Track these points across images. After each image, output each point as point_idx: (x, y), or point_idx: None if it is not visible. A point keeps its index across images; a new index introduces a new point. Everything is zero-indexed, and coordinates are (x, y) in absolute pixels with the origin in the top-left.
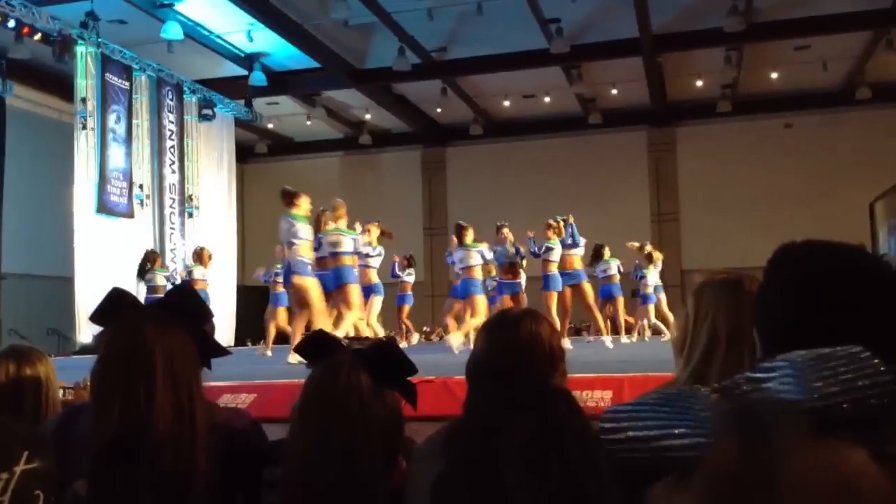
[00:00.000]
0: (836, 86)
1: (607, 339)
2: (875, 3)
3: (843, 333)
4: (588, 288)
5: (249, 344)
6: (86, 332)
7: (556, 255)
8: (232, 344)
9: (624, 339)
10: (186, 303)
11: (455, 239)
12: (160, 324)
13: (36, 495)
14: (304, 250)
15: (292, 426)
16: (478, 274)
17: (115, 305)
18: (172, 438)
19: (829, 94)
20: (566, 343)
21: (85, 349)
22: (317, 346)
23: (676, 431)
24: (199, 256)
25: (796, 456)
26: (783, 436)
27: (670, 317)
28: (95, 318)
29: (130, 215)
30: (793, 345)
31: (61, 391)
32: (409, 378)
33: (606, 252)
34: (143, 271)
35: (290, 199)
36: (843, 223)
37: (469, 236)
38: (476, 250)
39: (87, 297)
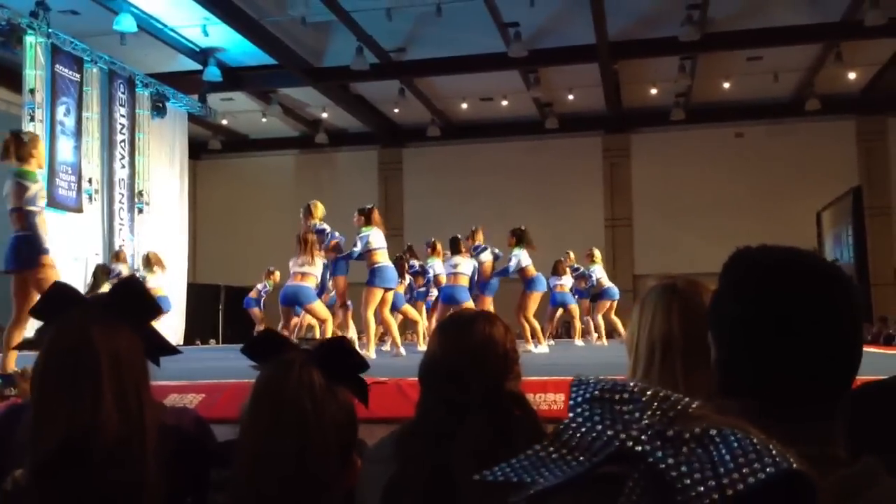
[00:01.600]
0: (786, 97)
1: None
2: (826, 17)
3: (797, 330)
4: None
5: (199, 343)
6: (28, 326)
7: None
8: (181, 342)
9: (578, 342)
10: (133, 299)
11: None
12: (106, 322)
13: None
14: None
15: (242, 426)
16: (465, 281)
17: (58, 301)
18: (121, 444)
19: (779, 105)
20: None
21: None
22: (266, 345)
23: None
24: (148, 262)
25: None
26: None
27: (617, 321)
28: (37, 312)
29: (79, 210)
30: (749, 344)
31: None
32: (361, 376)
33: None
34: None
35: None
36: (790, 231)
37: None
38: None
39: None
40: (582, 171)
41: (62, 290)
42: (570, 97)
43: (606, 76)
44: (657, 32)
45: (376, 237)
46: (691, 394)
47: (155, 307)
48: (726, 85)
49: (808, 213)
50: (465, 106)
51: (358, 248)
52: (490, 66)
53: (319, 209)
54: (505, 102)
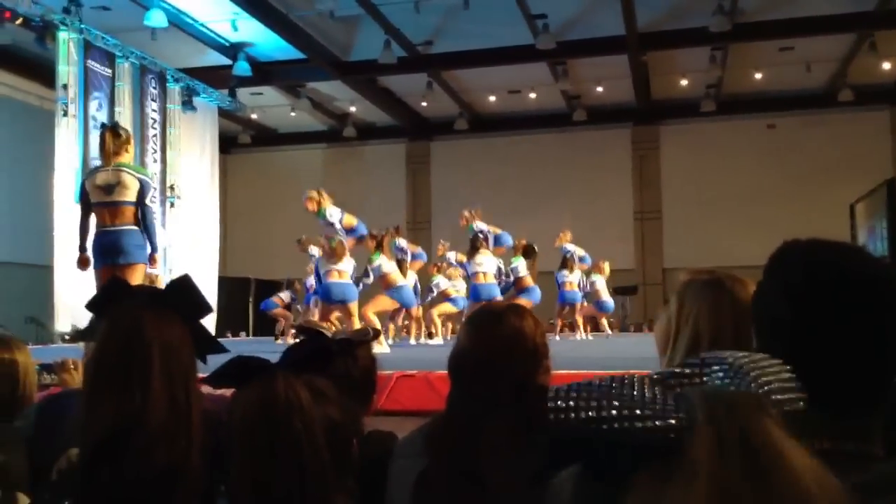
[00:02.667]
0: (819, 87)
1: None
2: (859, 6)
3: (841, 328)
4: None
5: (230, 335)
6: (64, 321)
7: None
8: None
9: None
10: (185, 295)
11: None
12: (158, 316)
13: None
14: None
15: (236, 453)
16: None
17: (112, 295)
18: (167, 434)
19: (812, 96)
20: (555, 337)
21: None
22: (241, 370)
23: (639, 413)
24: None
25: (784, 452)
26: (762, 424)
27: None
28: (92, 306)
29: None
30: (792, 339)
31: (41, 372)
32: (200, 320)
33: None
34: None
35: None
36: (823, 224)
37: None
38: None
39: (66, 285)
40: (611, 163)
41: (117, 284)
42: (599, 89)
43: (636, 68)
44: (687, 23)
45: (386, 262)
46: None
47: (206, 305)
48: (758, 76)
49: (841, 205)
50: (492, 99)
51: (371, 279)
52: (518, 58)
53: (325, 200)
54: (533, 95)
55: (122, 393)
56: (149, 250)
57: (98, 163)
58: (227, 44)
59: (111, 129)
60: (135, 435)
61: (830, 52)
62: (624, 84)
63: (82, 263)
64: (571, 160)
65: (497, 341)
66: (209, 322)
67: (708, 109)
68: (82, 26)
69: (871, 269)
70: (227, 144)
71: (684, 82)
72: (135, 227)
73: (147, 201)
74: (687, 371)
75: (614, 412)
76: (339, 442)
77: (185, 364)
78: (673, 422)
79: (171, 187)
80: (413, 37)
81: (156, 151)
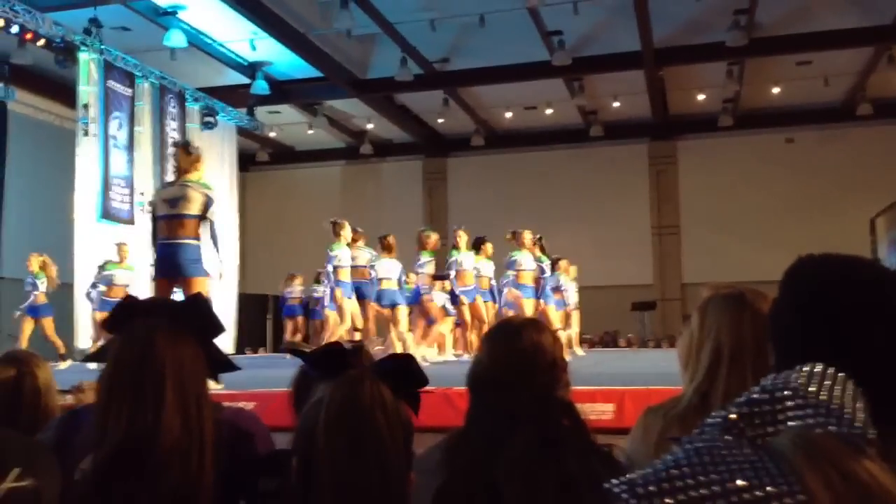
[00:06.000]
0: (837, 101)
1: None
2: (877, 20)
3: (853, 343)
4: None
5: (248, 351)
6: (84, 338)
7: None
8: (232, 352)
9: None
10: (199, 315)
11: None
12: (172, 334)
13: None
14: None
15: (311, 442)
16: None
17: (127, 313)
18: (180, 450)
19: (830, 110)
20: (578, 351)
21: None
22: (333, 359)
23: (758, 493)
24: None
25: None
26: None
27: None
28: (108, 325)
29: (131, 222)
30: (805, 354)
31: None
32: (419, 392)
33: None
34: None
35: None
36: (843, 238)
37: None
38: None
39: (87, 303)
40: (628, 178)
41: (131, 303)
42: (615, 104)
43: (652, 83)
44: (703, 38)
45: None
46: None
47: (218, 324)
48: (775, 90)
49: (861, 219)
50: (509, 115)
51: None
52: (534, 74)
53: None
54: (549, 111)
55: (135, 409)
56: (210, 263)
57: (121, 181)
58: (246, 63)
59: (183, 147)
60: (148, 451)
61: (848, 66)
62: (641, 99)
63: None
64: (588, 176)
65: (516, 356)
66: (227, 339)
67: (725, 124)
68: (103, 47)
69: (878, 279)
70: (246, 162)
71: (701, 97)
72: (194, 242)
73: (210, 215)
74: (757, 409)
75: (723, 502)
76: (407, 458)
77: (198, 382)
78: (789, 501)
79: None
80: (429, 54)
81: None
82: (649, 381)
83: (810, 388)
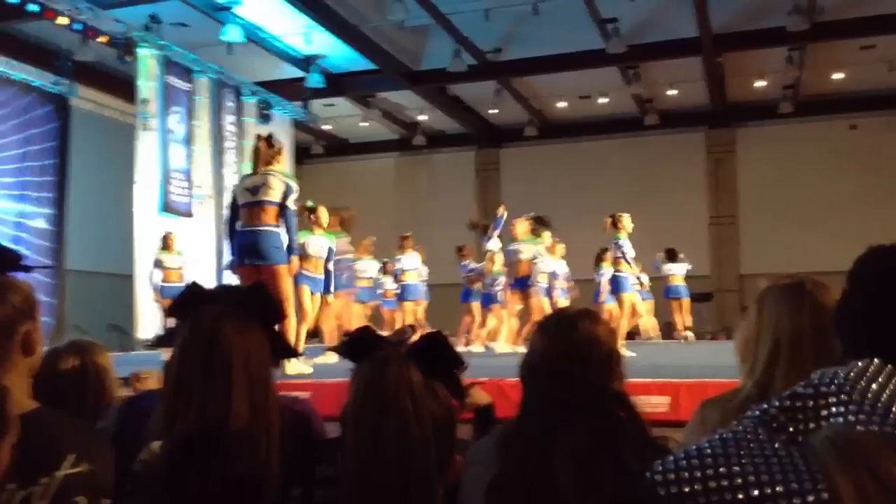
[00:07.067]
0: None
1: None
2: None
3: None
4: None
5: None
6: (145, 328)
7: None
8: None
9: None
10: (262, 302)
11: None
12: (238, 322)
13: (75, 502)
14: None
15: (345, 425)
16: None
17: (192, 300)
18: (250, 437)
19: (895, 96)
20: (626, 350)
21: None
22: (362, 344)
23: (769, 491)
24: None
25: None
26: None
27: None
28: (173, 311)
29: (190, 214)
30: (872, 343)
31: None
32: (455, 373)
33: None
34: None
35: None
36: None
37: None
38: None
39: (147, 294)
40: (684, 167)
41: (197, 290)
42: (672, 92)
43: (710, 70)
44: (763, 23)
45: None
46: None
47: (281, 311)
48: (838, 76)
49: None
50: (562, 104)
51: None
52: (588, 63)
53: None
54: (603, 100)
55: (205, 396)
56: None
57: (180, 174)
58: (301, 56)
59: (266, 140)
60: (218, 437)
61: None
62: (698, 87)
63: (230, 265)
64: (643, 165)
65: (573, 347)
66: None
67: (786, 111)
68: (161, 42)
69: None
70: (301, 155)
71: (761, 84)
72: (275, 229)
73: (289, 203)
74: (799, 405)
75: (741, 495)
76: (442, 439)
77: (265, 368)
78: (812, 498)
79: None
80: (482, 44)
81: (234, 163)
82: (705, 373)
83: (858, 385)
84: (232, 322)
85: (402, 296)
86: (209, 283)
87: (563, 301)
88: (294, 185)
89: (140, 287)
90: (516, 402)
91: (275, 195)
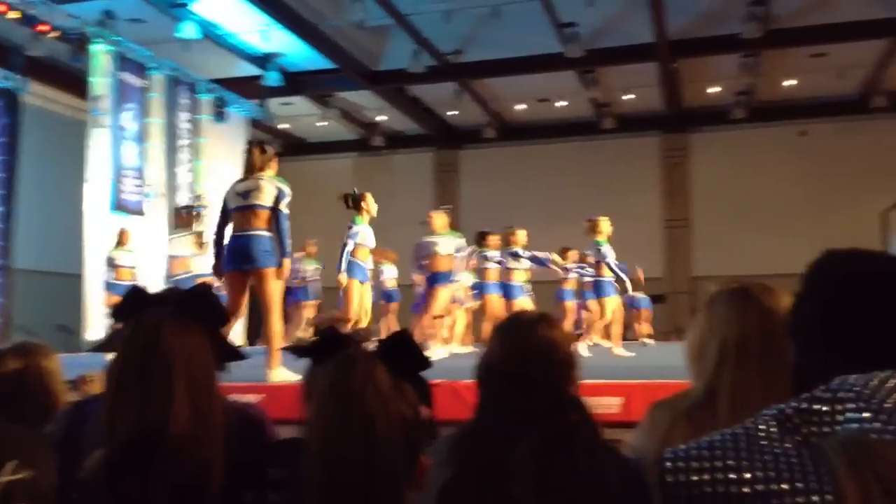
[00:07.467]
0: (852, 94)
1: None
2: (893, 11)
3: (875, 338)
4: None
5: (259, 343)
6: (94, 329)
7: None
8: (245, 343)
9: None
10: (206, 304)
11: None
12: (180, 324)
13: None
14: None
15: (309, 426)
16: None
17: (135, 303)
18: (190, 441)
19: (844, 103)
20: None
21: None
22: (329, 344)
23: (775, 488)
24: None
25: None
26: None
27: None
28: (116, 314)
29: (142, 213)
30: (827, 347)
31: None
32: (421, 375)
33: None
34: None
35: None
36: (855, 232)
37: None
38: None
39: (96, 294)
40: (639, 171)
41: (138, 293)
42: (628, 97)
43: (665, 75)
44: (718, 30)
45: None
46: (767, 395)
47: (225, 314)
48: (790, 82)
49: (873, 213)
50: (521, 107)
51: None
52: (547, 66)
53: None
54: (561, 103)
55: (146, 399)
56: (279, 255)
57: (133, 172)
58: (258, 54)
59: (259, 146)
60: (159, 441)
61: (864, 58)
62: (653, 92)
63: (215, 272)
64: (600, 168)
65: (531, 351)
66: (239, 330)
67: (739, 117)
68: (116, 38)
69: None
70: None
71: (715, 90)
72: (265, 233)
73: (282, 207)
74: (815, 408)
75: (747, 489)
76: (410, 440)
77: (208, 371)
78: (817, 499)
79: (199, 197)
80: (442, 46)
81: (188, 161)
82: (658, 374)
83: (878, 394)
84: (173, 324)
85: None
86: (160, 284)
87: (525, 301)
88: (286, 190)
89: (89, 287)
90: (471, 404)
91: (266, 199)
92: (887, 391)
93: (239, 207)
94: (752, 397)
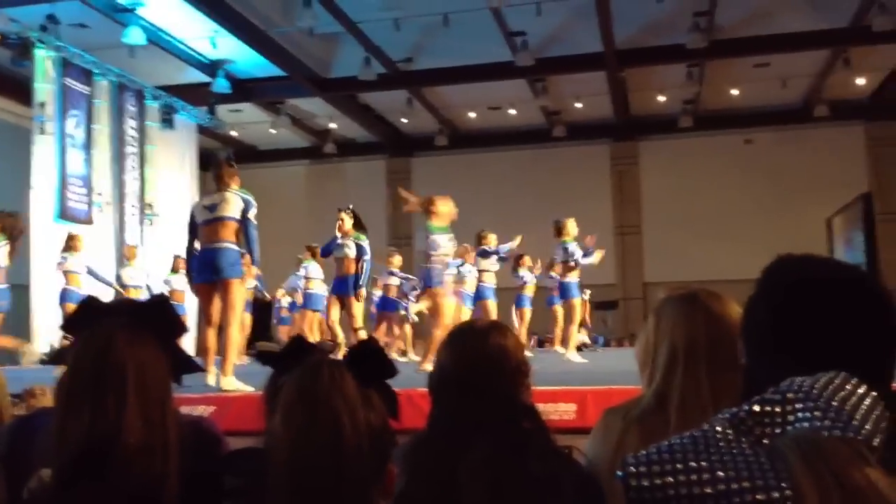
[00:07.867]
0: (795, 103)
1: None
2: (834, 23)
3: (827, 342)
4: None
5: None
6: (41, 341)
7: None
8: (194, 353)
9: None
10: (160, 314)
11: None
12: (132, 335)
13: None
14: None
15: (273, 434)
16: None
17: (88, 314)
18: (143, 452)
19: (788, 111)
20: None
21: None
22: (295, 353)
23: (736, 487)
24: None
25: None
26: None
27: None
28: (67, 326)
29: (89, 222)
30: (777, 351)
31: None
32: (388, 383)
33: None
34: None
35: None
36: (801, 237)
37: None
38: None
39: (44, 305)
40: (590, 178)
41: (91, 303)
42: (578, 105)
43: (614, 84)
44: (664, 40)
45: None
46: (716, 399)
47: (181, 324)
48: (734, 92)
49: (818, 219)
50: (472, 115)
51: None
52: (497, 75)
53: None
54: (512, 111)
55: (97, 411)
56: (247, 265)
57: (79, 180)
58: (207, 61)
59: (227, 161)
60: (110, 453)
61: (806, 68)
62: (603, 100)
63: (189, 283)
64: (551, 176)
65: (483, 360)
66: (188, 339)
67: (686, 125)
68: (60, 44)
69: (852, 280)
70: (208, 161)
71: (662, 98)
72: (233, 246)
73: (250, 216)
74: (768, 409)
75: (709, 489)
76: (380, 449)
77: (160, 383)
78: (777, 495)
79: (149, 205)
80: (393, 54)
81: (134, 169)
82: (612, 380)
83: (824, 394)
84: (125, 335)
85: (306, 304)
86: (107, 294)
87: (465, 311)
88: (253, 200)
89: (36, 298)
90: (426, 412)
91: (233, 210)
92: (833, 390)
93: (207, 221)
94: (700, 402)
